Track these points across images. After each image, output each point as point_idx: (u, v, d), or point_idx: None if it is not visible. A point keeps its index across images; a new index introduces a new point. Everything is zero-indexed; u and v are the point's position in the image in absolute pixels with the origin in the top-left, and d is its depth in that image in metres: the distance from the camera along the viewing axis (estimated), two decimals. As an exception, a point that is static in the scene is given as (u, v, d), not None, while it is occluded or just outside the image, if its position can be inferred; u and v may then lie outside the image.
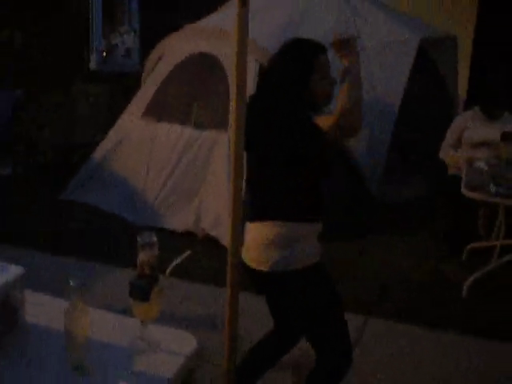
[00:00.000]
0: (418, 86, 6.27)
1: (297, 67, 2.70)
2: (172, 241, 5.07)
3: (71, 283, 1.95)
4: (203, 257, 5.00)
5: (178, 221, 5.56)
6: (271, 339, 3.15)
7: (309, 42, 2.78)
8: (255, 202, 2.78)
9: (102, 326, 2.23)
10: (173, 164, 5.80)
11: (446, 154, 5.37)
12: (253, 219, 2.76)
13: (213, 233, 5.32)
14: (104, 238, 5.49)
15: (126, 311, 2.30)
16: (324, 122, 2.67)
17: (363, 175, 5.82)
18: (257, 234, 2.73)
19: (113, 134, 6.32)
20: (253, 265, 2.74)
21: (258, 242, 2.73)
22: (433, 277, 4.95)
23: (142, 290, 2.06)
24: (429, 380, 3.71)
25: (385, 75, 6.03)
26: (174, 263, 2.14)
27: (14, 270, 2.18)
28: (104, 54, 7.90)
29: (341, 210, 5.40)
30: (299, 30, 5.60)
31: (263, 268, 2.72)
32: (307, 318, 2.83)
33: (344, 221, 5.41)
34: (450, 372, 3.79)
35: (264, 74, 2.86)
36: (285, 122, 2.66)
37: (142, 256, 2.08)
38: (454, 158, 5.29)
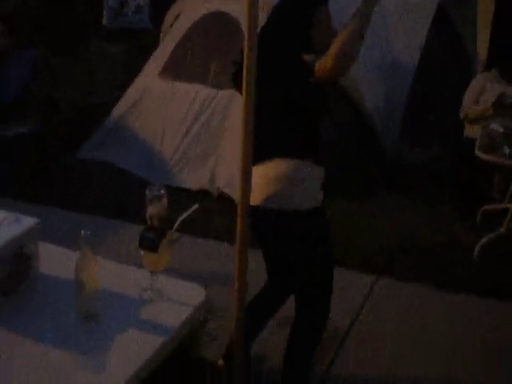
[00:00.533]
0: (436, 46, 6.22)
1: (296, 23, 2.72)
2: (186, 199, 5.13)
3: (82, 233, 2.01)
4: (217, 214, 5.07)
5: (194, 179, 5.62)
6: (267, 289, 3.20)
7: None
8: (256, 145, 2.80)
9: (112, 276, 2.30)
10: (189, 123, 5.83)
11: (467, 109, 5.31)
12: (255, 162, 2.76)
13: (227, 191, 5.38)
14: (119, 196, 5.55)
15: (137, 265, 2.37)
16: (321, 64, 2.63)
17: (378, 132, 5.81)
18: (260, 173, 2.72)
19: (131, 93, 6.35)
20: (253, 202, 2.70)
21: (260, 181, 2.72)
22: (444, 239, 4.96)
23: (151, 241, 2.12)
24: (436, 338, 3.77)
25: (403, 34, 6.00)
26: (182, 217, 2.18)
27: (28, 221, 2.25)
28: (115, 10, 7.93)
29: (352, 166, 5.42)
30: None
31: (263, 204, 2.74)
32: (302, 262, 2.87)
33: (354, 177, 5.42)
34: (458, 331, 3.85)
35: (264, 26, 2.86)
36: (280, 67, 2.71)
37: (151, 209, 2.14)
38: (474, 111, 5.20)
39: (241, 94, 2.50)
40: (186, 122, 5.84)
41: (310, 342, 3.04)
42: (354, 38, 2.56)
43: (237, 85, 2.75)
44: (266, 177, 2.75)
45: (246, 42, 2.50)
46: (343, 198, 5.24)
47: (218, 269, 4.34)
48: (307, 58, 2.65)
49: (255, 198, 2.69)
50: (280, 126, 2.77)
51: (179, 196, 4.90)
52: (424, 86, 6.18)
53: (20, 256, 2.19)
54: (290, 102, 2.72)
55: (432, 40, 6.17)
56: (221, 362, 3.19)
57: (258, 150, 2.73)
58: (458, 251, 4.78)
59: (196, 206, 2.21)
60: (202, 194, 5.40)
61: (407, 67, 5.98)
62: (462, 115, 5.33)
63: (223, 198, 5.35)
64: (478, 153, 4.77)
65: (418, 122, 6.20)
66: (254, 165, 2.77)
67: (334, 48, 2.56)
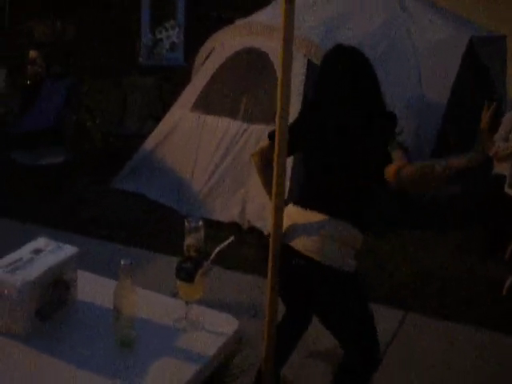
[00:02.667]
0: (465, 85, 6.26)
1: (367, 75, 2.80)
2: (217, 231, 5.19)
3: (122, 262, 2.07)
4: (247, 247, 5.12)
5: (224, 212, 5.68)
6: (287, 319, 3.20)
7: (356, 49, 2.86)
8: (322, 194, 2.84)
9: (148, 305, 2.34)
10: (220, 156, 5.91)
11: (496, 147, 5.32)
12: (316, 208, 2.81)
13: (257, 224, 5.43)
14: (151, 227, 5.63)
15: (171, 295, 2.42)
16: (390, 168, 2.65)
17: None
18: (321, 225, 2.77)
19: (162, 125, 6.46)
20: (304, 251, 2.76)
21: (319, 233, 2.76)
22: (473, 275, 4.96)
23: (187, 272, 2.17)
24: (463, 377, 3.74)
25: (433, 73, 6.05)
26: (218, 249, 2.23)
27: (69, 249, 2.31)
28: (150, 48, 8.09)
29: (379, 202, 5.42)
30: (347, 26, 5.68)
31: (318, 258, 2.76)
32: (346, 318, 2.89)
33: (381, 213, 5.43)
34: (486, 370, 3.82)
35: (320, 84, 2.93)
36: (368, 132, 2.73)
37: (189, 239, 2.19)
38: (504, 149, 5.21)
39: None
40: (216, 155, 5.92)
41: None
42: (439, 175, 2.57)
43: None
44: (322, 232, 2.78)
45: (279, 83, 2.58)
46: (370, 234, 5.25)
47: (246, 301, 4.37)
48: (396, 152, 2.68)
49: (310, 248, 2.75)
50: (354, 191, 2.82)
51: (209, 228, 4.94)
52: (453, 124, 6.20)
53: (60, 283, 2.26)
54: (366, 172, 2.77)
55: (462, 78, 6.20)
56: None
57: (315, 197, 2.78)
58: (487, 288, 4.77)
59: (232, 238, 2.26)
60: (232, 227, 5.45)
61: (437, 105, 6.01)
62: (491, 153, 5.33)
63: (253, 231, 5.40)
64: (507, 190, 4.78)
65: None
66: (313, 208, 2.83)
67: (412, 169, 2.58)
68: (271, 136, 2.81)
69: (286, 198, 2.86)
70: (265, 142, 3.01)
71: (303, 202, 2.89)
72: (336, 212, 2.78)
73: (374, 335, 2.95)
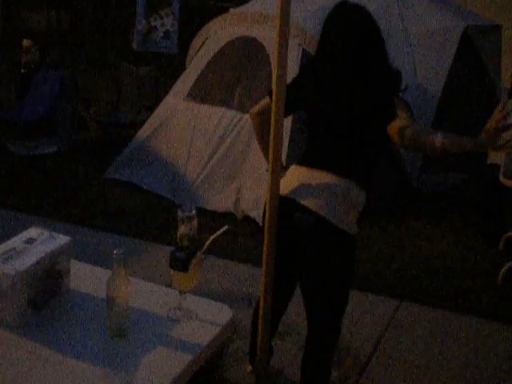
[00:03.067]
0: (460, 74, 6.25)
1: (374, 37, 2.79)
2: (211, 221, 5.19)
3: (115, 252, 2.06)
4: (242, 237, 5.12)
5: (218, 201, 5.67)
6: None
7: (364, 9, 2.84)
8: (328, 152, 2.82)
9: (142, 295, 2.34)
10: (214, 145, 5.90)
11: None
12: (323, 167, 2.79)
13: (252, 214, 5.43)
14: (145, 217, 5.62)
15: (165, 285, 2.42)
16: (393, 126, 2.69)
17: (402, 159, 5.84)
18: (331, 183, 2.75)
19: (157, 115, 6.44)
20: (312, 207, 2.72)
21: (329, 192, 2.74)
22: (468, 265, 4.98)
23: (181, 261, 2.16)
24: (458, 365, 3.76)
25: (428, 62, 6.03)
26: (212, 237, 2.22)
27: (61, 239, 2.31)
28: (144, 35, 8.05)
29: (375, 192, 5.43)
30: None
31: (327, 216, 2.72)
32: (335, 279, 2.87)
33: (378, 204, 5.44)
34: (481, 358, 3.83)
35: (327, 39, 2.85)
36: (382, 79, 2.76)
37: (182, 229, 2.18)
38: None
39: None
40: (210, 145, 5.91)
41: (323, 360, 3.04)
42: (434, 150, 2.59)
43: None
44: (323, 183, 2.77)
45: (274, 68, 2.57)
46: (368, 223, 5.28)
47: (241, 290, 4.38)
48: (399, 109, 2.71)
49: (311, 202, 2.73)
50: (366, 152, 2.82)
51: (204, 218, 4.96)
52: (448, 113, 6.20)
53: (53, 272, 2.25)
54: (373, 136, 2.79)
55: (456, 67, 6.19)
56: (249, 369, 3.22)
57: (329, 158, 2.77)
58: (482, 277, 4.78)
59: (226, 227, 2.25)
60: (227, 216, 5.45)
61: (432, 94, 6.00)
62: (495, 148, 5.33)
63: (247, 221, 5.40)
64: (501, 179, 4.78)
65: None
66: (313, 167, 2.81)
67: (411, 135, 2.62)
68: (271, 93, 2.76)
69: (283, 163, 2.86)
70: (264, 100, 2.93)
71: (309, 161, 2.85)
72: (343, 172, 2.77)
73: (347, 302, 2.96)
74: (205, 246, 2.23)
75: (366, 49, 2.75)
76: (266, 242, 2.69)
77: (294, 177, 2.82)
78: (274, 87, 2.59)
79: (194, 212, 2.18)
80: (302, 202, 2.74)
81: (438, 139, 2.56)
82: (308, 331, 3.01)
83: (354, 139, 2.78)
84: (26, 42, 7.35)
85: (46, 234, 2.32)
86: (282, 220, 2.73)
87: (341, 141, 2.80)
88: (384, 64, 2.81)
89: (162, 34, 8.18)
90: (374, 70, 2.76)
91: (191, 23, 6.70)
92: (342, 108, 2.74)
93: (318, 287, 2.89)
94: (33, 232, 2.34)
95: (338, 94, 2.75)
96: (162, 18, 8.13)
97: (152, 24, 8.13)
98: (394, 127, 2.66)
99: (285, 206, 2.73)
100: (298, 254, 2.86)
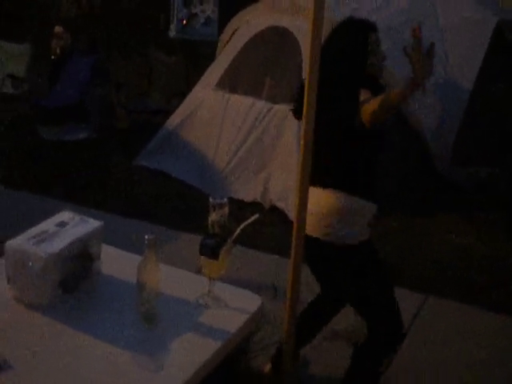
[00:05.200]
0: (493, 67, 6.17)
1: (353, 45, 2.82)
2: (239, 210, 5.19)
3: (146, 237, 2.07)
4: (269, 227, 5.11)
5: (246, 191, 5.68)
6: (320, 299, 3.22)
7: (360, 21, 2.89)
8: (318, 167, 2.80)
9: (171, 280, 2.35)
10: (243, 135, 5.90)
11: None
12: (314, 183, 2.78)
13: (280, 204, 5.42)
14: (173, 204, 5.64)
15: (194, 273, 2.43)
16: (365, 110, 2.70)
17: (432, 152, 5.79)
18: (312, 200, 2.73)
19: (187, 103, 6.46)
20: (309, 230, 2.73)
21: (312, 210, 2.74)
22: (497, 259, 4.92)
23: (211, 248, 2.17)
24: (483, 361, 3.72)
25: (460, 54, 5.97)
26: (243, 225, 2.23)
27: (93, 223, 2.33)
28: (184, 22, 8.03)
29: (405, 185, 5.41)
30: (373, 6, 5.64)
31: (317, 235, 2.78)
32: (359, 291, 2.90)
33: (408, 197, 5.42)
34: (507, 354, 3.80)
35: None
36: (337, 92, 2.76)
37: (214, 216, 2.19)
38: None
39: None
40: (240, 134, 5.91)
41: (374, 362, 3.03)
42: (397, 100, 2.62)
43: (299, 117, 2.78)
44: (318, 207, 2.79)
45: (307, 62, 2.55)
46: (397, 216, 5.26)
47: (267, 280, 4.37)
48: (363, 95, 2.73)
49: (312, 226, 2.75)
50: (336, 156, 2.83)
51: (232, 207, 4.95)
52: (479, 107, 6.13)
53: (84, 256, 2.27)
54: (345, 134, 2.79)
55: (488, 61, 6.12)
56: (268, 367, 3.22)
57: (314, 172, 2.79)
58: (508, 273, 4.73)
59: (257, 215, 2.25)
60: (254, 206, 5.45)
61: (463, 87, 5.95)
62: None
63: (275, 211, 5.39)
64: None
65: (472, 142, 6.14)
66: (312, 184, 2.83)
67: (377, 103, 2.62)
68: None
69: None
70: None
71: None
72: (327, 183, 2.79)
73: (394, 306, 2.94)
74: (235, 234, 2.23)
75: (335, 61, 2.79)
76: (294, 234, 2.68)
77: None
78: (306, 84, 2.58)
79: (225, 199, 2.19)
80: None
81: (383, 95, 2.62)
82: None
83: (327, 147, 2.78)
84: (57, 29, 7.41)
85: (78, 217, 2.34)
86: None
87: (318, 152, 2.80)
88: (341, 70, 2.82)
89: (203, 21, 8.16)
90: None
91: (231, 9, 6.66)
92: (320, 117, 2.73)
93: (347, 299, 2.97)
94: (65, 215, 2.36)
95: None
96: (202, 4, 8.11)
97: (193, 11, 8.12)
98: (366, 111, 2.66)
99: None
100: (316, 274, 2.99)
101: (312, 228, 2.76)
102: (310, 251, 2.81)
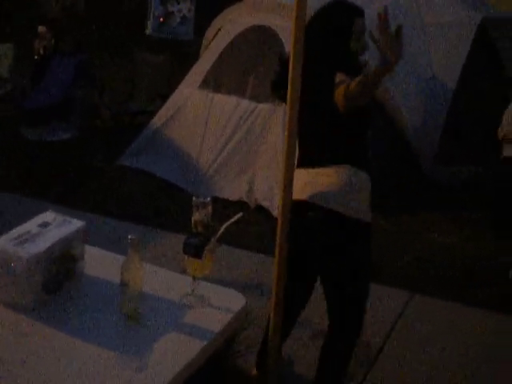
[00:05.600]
0: (476, 66, 6.21)
1: (337, 25, 2.83)
2: (224, 209, 5.19)
3: (129, 237, 2.06)
4: (254, 226, 5.11)
5: (231, 190, 5.67)
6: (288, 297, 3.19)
7: (347, 4, 2.90)
8: (308, 150, 2.85)
9: (155, 280, 2.35)
10: (228, 135, 5.89)
11: (505, 130, 5.28)
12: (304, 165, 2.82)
13: (265, 203, 5.42)
14: (157, 204, 5.62)
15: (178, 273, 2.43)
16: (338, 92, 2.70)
17: (415, 150, 5.81)
18: (332, 175, 2.78)
19: (170, 103, 6.44)
20: (322, 204, 2.75)
21: (317, 181, 2.78)
22: (480, 257, 4.94)
23: (194, 248, 2.17)
24: (468, 359, 3.74)
25: (443, 53, 6.01)
26: (227, 224, 2.22)
27: (76, 224, 2.32)
28: (161, 20, 8.00)
29: (388, 183, 5.43)
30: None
31: (326, 204, 2.76)
32: (356, 270, 2.89)
33: (391, 195, 5.43)
34: (493, 352, 3.82)
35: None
36: (315, 71, 2.76)
37: (197, 215, 2.18)
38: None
39: (280, 101, 2.58)
40: (224, 134, 5.90)
41: (343, 355, 3.05)
42: (374, 82, 2.60)
43: (277, 94, 2.80)
44: (325, 178, 2.80)
45: (291, 55, 2.56)
46: (380, 213, 5.26)
47: (252, 278, 4.38)
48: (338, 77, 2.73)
49: (317, 198, 2.76)
50: (332, 134, 2.84)
51: (216, 206, 4.94)
52: (463, 106, 6.17)
53: (67, 256, 2.26)
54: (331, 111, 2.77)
55: (472, 59, 6.15)
56: (255, 372, 3.22)
57: (311, 154, 2.78)
58: (494, 270, 4.75)
59: (240, 214, 2.25)
60: (239, 205, 5.44)
61: (447, 85, 5.97)
62: (500, 135, 5.31)
63: (260, 210, 5.39)
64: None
65: (455, 141, 6.18)
66: (301, 167, 2.84)
67: (354, 86, 2.60)
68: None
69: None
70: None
71: (306, 162, 2.89)
72: (338, 160, 2.80)
73: (368, 295, 2.97)
74: (219, 233, 2.23)
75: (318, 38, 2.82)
76: (278, 232, 2.68)
77: (296, 179, 2.80)
78: (290, 76, 2.59)
79: (208, 199, 2.19)
80: (311, 201, 2.78)
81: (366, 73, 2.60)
82: (330, 325, 3.02)
83: (324, 125, 2.81)
84: (41, 29, 7.36)
85: (61, 218, 2.32)
86: (295, 223, 2.74)
87: (317, 133, 2.83)
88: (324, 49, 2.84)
89: (178, 20, 8.12)
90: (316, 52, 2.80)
91: (207, 9, 6.66)
92: (306, 103, 2.73)
93: (341, 280, 2.91)
94: (47, 216, 2.35)
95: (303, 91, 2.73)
96: (178, 3, 8.07)
97: (169, 10, 8.08)
98: (339, 94, 2.66)
99: (294, 210, 2.73)
100: (316, 251, 2.89)
101: (335, 203, 2.76)
102: (319, 225, 2.79)
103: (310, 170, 2.86)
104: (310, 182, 2.83)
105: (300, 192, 2.80)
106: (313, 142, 2.89)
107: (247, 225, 5.07)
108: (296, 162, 2.83)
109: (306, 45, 2.59)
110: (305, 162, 2.90)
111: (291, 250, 2.76)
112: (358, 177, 2.81)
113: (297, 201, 2.75)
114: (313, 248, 2.90)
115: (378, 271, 4.54)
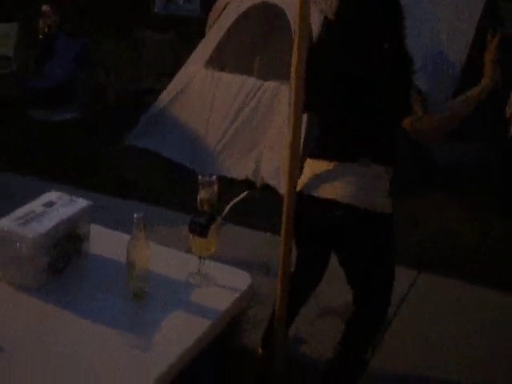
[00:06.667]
0: (483, 43, 6.15)
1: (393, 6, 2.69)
2: (231, 188, 5.16)
3: (135, 215, 2.05)
4: (261, 205, 5.09)
5: (238, 169, 5.65)
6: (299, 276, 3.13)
7: None
8: (343, 142, 2.76)
9: (161, 260, 2.33)
10: (234, 113, 5.86)
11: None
12: (340, 158, 2.74)
13: (272, 182, 5.41)
14: (163, 184, 5.62)
15: (185, 252, 2.41)
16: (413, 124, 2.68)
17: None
18: (350, 170, 2.72)
19: (176, 82, 6.40)
20: (340, 200, 2.68)
21: (354, 179, 2.72)
22: (485, 237, 4.93)
23: (200, 226, 2.16)
24: (474, 338, 3.73)
25: (451, 29, 5.94)
26: (233, 202, 2.21)
27: (81, 203, 2.31)
28: None
29: (396, 168, 5.39)
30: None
31: (358, 204, 2.70)
32: (380, 262, 2.86)
33: (396, 175, 5.40)
34: (498, 330, 3.81)
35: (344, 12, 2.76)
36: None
37: (202, 194, 2.17)
38: None
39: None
40: (230, 113, 5.88)
41: (366, 339, 3.02)
42: (452, 121, 2.65)
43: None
44: (358, 177, 2.73)
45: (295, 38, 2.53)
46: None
47: (259, 258, 4.37)
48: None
49: (342, 195, 2.70)
50: (380, 131, 2.76)
51: (223, 185, 4.93)
52: (470, 83, 6.11)
53: (72, 236, 2.25)
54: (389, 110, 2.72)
55: (480, 35, 6.09)
56: (261, 351, 3.22)
57: (341, 147, 2.73)
58: (499, 249, 4.73)
59: (246, 192, 2.25)
60: (246, 184, 5.42)
61: (454, 61, 5.92)
62: (508, 114, 5.26)
63: (267, 189, 5.38)
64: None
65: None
66: (337, 161, 2.75)
67: (435, 123, 2.64)
68: None
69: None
70: None
71: (324, 154, 2.79)
72: (357, 154, 2.71)
73: (392, 287, 2.94)
74: (224, 212, 2.22)
75: (384, 30, 2.68)
76: (284, 211, 2.67)
77: (310, 170, 2.77)
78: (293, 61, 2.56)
79: (214, 177, 2.17)
80: (328, 197, 2.70)
81: (448, 109, 2.62)
82: (355, 310, 2.97)
83: (369, 129, 2.71)
84: (44, 8, 7.31)
85: (66, 197, 2.31)
86: (309, 218, 2.72)
87: (355, 132, 2.73)
88: (400, 48, 2.73)
89: (185, -3, 8.09)
90: (388, 57, 2.68)
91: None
92: (353, 100, 2.66)
93: (366, 272, 2.85)
94: (52, 195, 2.33)
95: (349, 84, 2.65)
96: None
97: None
98: (406, 122, 2.64)
99: (308, 205, 2.70)
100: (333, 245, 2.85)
101: (353, 198, 2.69)
102: (340, 222, 2.72)
103: (326, 162, 2.76)
104: (319, 176, 2.76)
105: (311, 185, 2.75)
106: (348, 136, 2.75)
107: (254, 204, 5.05)
108: (313, 151, 2.80)
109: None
110: (322, 153, 2.80)
111: (304, 233, 2.74)
112: (376, 172, 2.75)
113: (325, 199, 2.70)
114: (327, 243, 2.86)
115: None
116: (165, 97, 6.41)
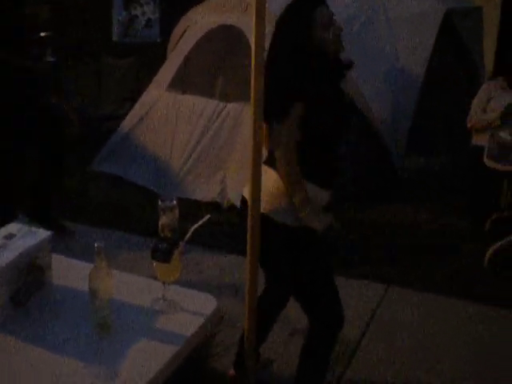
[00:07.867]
0: (443, 56, 6.25)
1: (297, 21, 2.79)
2: (197, 211, 5.16)
3: (96, 245, 2.03)
4: (227, 226, 5.09)
5: (204, 191, 5.64)
6: (267, 294, 3.17)
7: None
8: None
9: (125, 287, 2.32)
10: (198, 136, 5.86)
11: (474, 119, 5.29)
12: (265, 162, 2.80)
13: (238, 203, 5.38)
14: (129, 209, 5.58)
15: (149, 277, 2.40)
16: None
17: (385, 142, 5.83)
18: (272, 180, 2.76)
19: (139, 106, 6.40)
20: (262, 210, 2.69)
21: (270, 191, 2.75)
22: (454, 247, 4.98)
23: (163, 252, 2.14)
24: (446, 349, 3.75)
25: (409, 46, 6.03)
26: (194, 227, 2.20)
27: (42, 233, 2.27)
28: (125, 25, 7.95)
29: (359, 176, 5.44)
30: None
31: (271, 215, 2.75)
32: (302, 276, 2.88)
33: (362, 187, 5.44)
34: (468, 340, 3.84)
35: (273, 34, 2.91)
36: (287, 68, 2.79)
37: (164, 219, 2.16)
38: (481, 121, 5.20)
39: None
40: (194, 135, 5.88)
41: (322, 353, 3.03)
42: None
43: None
44: (274, 188, 2.77)
45: (252, 54, 2.55)
46: (352, 207, 5.28)
47: (226, 280, 4.36)
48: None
49: (264, 207, 2.70)
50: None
51: (189, 208, 4.93)
52: (431, 97, 6.20)
53: (34, 267, 2.22)
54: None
55: (439, 50, 6.19)
56: (232, 372, 3.20)
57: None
58: (468, 259, 4.78)
59: (208, 216, 2.23)
60: (212, 206, 5.42)
61: (414, 77, 6.00)
62: (469, 124, 5.33)
63: (233, 210, 5.37)
64: (486, 161, 4.78)
65: (425, 132, 6.21)
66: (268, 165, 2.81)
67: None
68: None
69: None
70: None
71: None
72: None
73: (335, 296, 2.93)
74: (187, 236, 2.21)
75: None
76: (249, 231, 2.67)
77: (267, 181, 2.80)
78: (252, 80, 2.59)
79: (174, 202, 2.16)
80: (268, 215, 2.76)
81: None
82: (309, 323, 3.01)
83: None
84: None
85: (26, 228, 2.29)
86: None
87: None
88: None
89: (143, 23, 8.06)
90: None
91: (172, 9, 6.62)
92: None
93: (302, 284, 2.90)
94: (12, 227, 2.31)
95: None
96: (142, 6, 8.01)
97: (133, 13, 8.01)
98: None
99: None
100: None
101: (266, 207, 2.73)
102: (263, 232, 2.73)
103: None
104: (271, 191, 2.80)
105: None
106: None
107: (220, 225, 5.05)
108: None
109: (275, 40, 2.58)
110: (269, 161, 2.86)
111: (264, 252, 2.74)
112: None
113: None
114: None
115: (351, 266, 4.57)
116: (128, 121, 6.40)
